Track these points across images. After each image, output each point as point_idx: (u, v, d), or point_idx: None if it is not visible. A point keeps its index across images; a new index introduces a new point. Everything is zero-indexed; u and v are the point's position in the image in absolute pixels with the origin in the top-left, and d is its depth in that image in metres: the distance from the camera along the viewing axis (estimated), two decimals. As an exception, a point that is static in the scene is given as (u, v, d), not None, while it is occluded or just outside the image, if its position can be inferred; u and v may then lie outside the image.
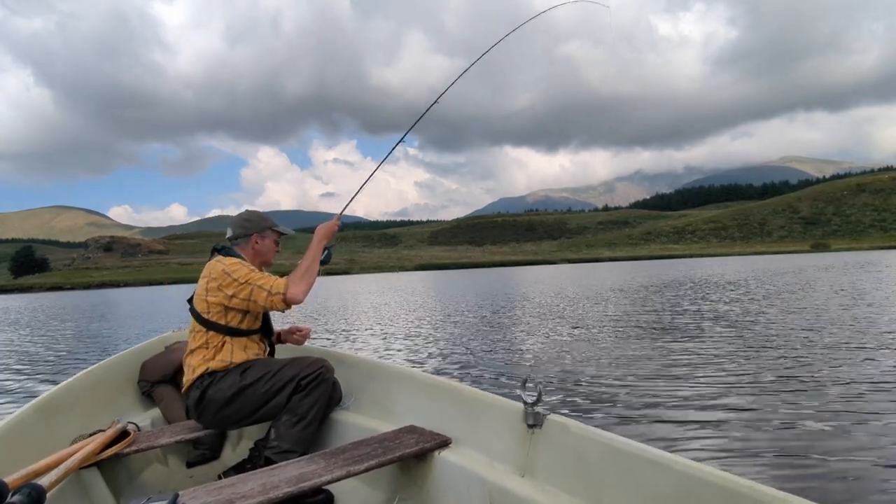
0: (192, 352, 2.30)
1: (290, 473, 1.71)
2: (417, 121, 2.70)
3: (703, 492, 1.19)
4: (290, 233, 2.62)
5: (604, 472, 1.43)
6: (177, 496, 1.51)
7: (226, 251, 2.42)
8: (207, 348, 2.26)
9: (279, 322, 2.75)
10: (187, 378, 2.29)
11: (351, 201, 2.65)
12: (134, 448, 2.16)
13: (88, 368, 2.84)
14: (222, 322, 2.27)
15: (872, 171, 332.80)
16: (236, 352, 2.29)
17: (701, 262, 78.05)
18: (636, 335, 8.03)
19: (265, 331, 2.47)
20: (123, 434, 2.18)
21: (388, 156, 2.67)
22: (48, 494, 1.41)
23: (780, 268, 34.06)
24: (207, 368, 2.23)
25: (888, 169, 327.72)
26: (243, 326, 2.31)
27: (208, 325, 2.27)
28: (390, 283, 43.51)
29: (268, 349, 2.51)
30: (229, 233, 2.51)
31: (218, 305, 2.25)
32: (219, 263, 2.28)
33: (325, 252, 2.42)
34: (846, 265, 32.83)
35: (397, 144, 2.69)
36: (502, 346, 7.69)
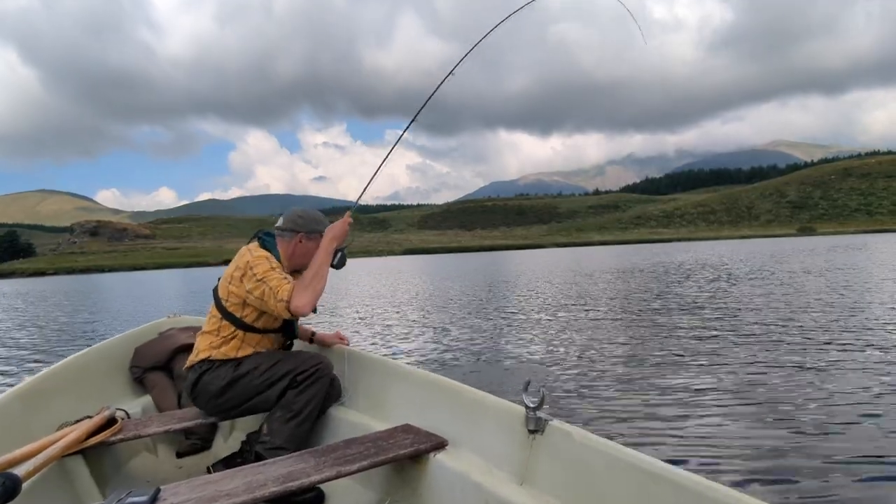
0: (203, 333, 2.27)
1: (278, 472, 1.67)
2: (430, 97, 2.57)
3: None
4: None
5: (607, 484, 1.37)
6: (158, 491, 1.48)
7: (263, 240, 2.31)
8: (217, 336, 2.21)
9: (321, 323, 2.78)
10: (191, 359, 2.26)
11: (364, 192, 2.50)
12: (120, 437, 2.09)
13: (78, 353, 2.75)
14: (238, 314, 2.19)
15: (860, 155, 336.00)
16: (244, 348, 2.22)
17: (690, 245, 78.63)
18: (635, 325, 8.04)
19: (286, 331, 2.37)
20: (111, 421, 2.11)
21: (398, 141, 2.56)
22: (28, 483, 1.37)
23: (770, 252, 34.37)
24: (209, 356, 2.19)
25: (875, 153, 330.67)
26: (258, 325, 2.23)
27: (224, 313, 2.21)
28: (379, 269, 43.35)
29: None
30: (279, 222, 2.38)
31: (237, 297, 2.17)
32: (249, 253, 2.21)
33: (339, 255, 2.23)
34: (834, 248, 33.23)
35: (410, 124, 2.58)
36: (499, 341, 7.61)
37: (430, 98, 2.55)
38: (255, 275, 2.11)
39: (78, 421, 2.04)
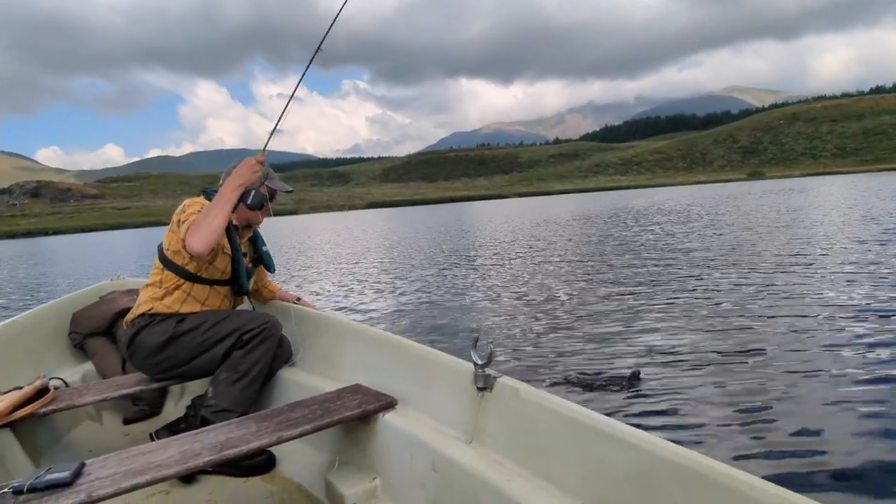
0: (146, 286, 2.17)
1: (216, 439, 1.61)
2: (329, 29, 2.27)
3: (659, 470, 1.14)
4: (284, 188, 2.38)
5: (555, 442, 1.37)
6: (83, 466, 1.41)
7: (208, 194, 2.20)
8: (159, 287, 2.11)
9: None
10: (130, 313, 2.16)
11: (274, 129, 2.28)
12: (52, 407, 1.98)
13: (10, 319, 2.61)
14: (179, 262, 2.09)
15: (808, 100, 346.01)
16: (190, 301, 2.11)
17: (645, 192, 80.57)
18: (590, 274, 8.31)
19: (235, 284, 2.23)
20: (43, 391, 1.99)
21: (309, 65, 2.31)
22: None
23: (724, 194, 35.66)
24: (151, 308, 2.08)
25: (822, 98, 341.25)
26: (203, 274, 2.12)
27: (166, 262, 2.12)
28: (339, 225, 42.92)
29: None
30: (221, 179, 2.24)
31: (177, 244, 2.06)
32: (188, 200, 2.15)
33: (252, 194, 2.08)
34: (779, 191, 34.76)
35: (316, 51, 2.26)
36: (455, 294, 7.69)
37: (338, 14, 2.29)
38: (185, 220, 2.02)
39: (8, 392, 1.94)
